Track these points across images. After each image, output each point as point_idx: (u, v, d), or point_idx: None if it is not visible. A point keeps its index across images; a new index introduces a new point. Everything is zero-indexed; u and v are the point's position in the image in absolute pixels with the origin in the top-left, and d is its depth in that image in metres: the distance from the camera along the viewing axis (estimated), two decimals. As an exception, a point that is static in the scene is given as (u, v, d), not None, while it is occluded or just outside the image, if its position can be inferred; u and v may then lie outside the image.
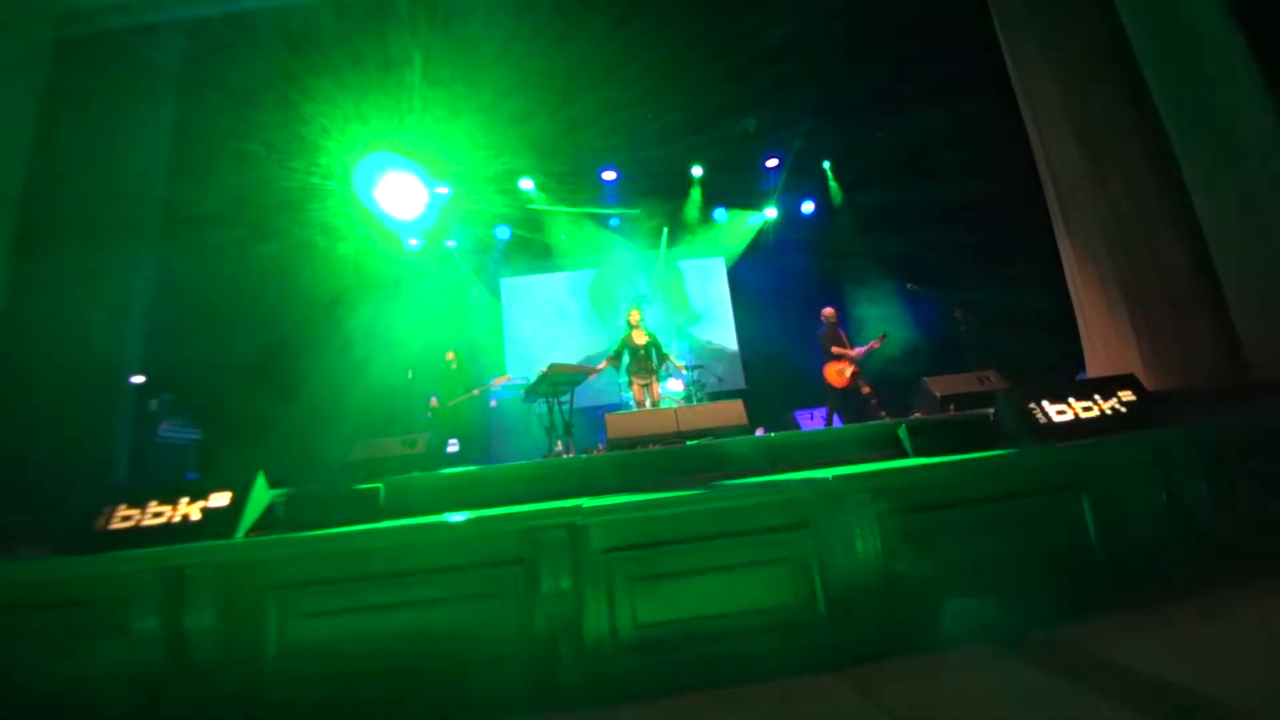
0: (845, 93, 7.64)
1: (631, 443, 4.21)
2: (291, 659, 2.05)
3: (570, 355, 9.74)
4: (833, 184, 9.64)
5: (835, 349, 6.72)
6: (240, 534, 2.26)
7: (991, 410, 2.86)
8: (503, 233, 9.73)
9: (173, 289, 4.75)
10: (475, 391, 6.27)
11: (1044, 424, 2.53)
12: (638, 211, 9.81)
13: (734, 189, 9.70)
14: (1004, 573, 2.19)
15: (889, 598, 2.11)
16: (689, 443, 3.84)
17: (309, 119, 6.77)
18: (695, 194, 9.62)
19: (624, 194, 9.41)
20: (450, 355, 6.73)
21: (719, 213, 10.02)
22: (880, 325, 8.08)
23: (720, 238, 10.39)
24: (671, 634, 2.05)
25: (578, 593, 2.02)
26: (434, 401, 6.18)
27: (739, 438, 4.03)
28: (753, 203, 10.01)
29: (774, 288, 10.02)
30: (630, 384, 6.67)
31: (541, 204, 9.40)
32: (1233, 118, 4.14)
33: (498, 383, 6.55)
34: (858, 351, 6.69)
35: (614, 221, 9.87)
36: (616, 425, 4.33)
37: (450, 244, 9.59)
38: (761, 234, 10.32)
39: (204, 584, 1.98)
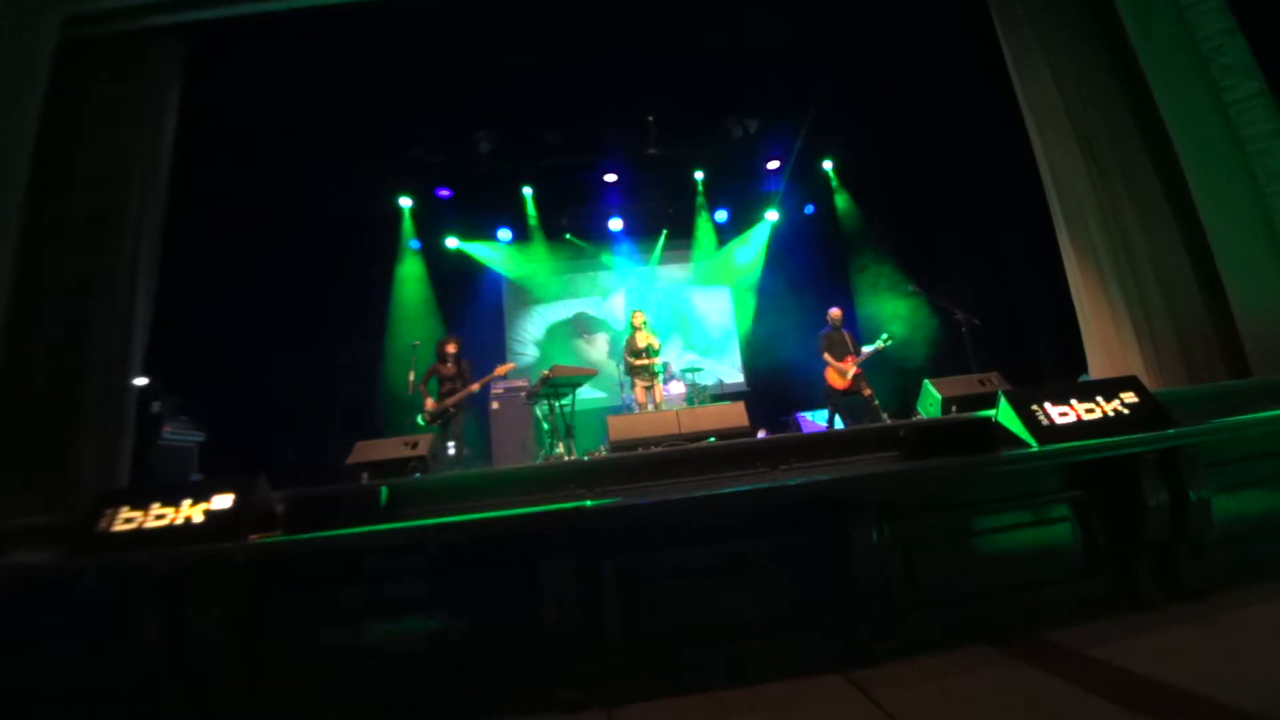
0: (845, 94, 7.64)
1: (633, 444, 4.21)
2: (292, 660, 2.05)
3: (571, 357, 9.76)
4: (835, 183, 9.62)
5: (828, 356, 6.71)
6: (242, 536, 2.26)
7: (993, 412, 2.85)
8: (505, 234, 9.75)
9: (176, 291, 4.75)
10: (475, 387, 5.95)
11: (1046, 425, 2.52)
12: (639, 214, 9.82)
13: (735, 190, 9.71)
14: (1003, 574, 2.19)
15: (889, 599, 2.11)
16: (690, 445, 3.84)
17: (310, 120, 6.81)
18: (696, 196, 9.64)
19: (625, 196, 9.43)
20: (452, 349, 6.04)
21: (720, 214, 10.03)
22: (882, 327, 8.09)
23: (721, 239, 10.40)
24: (672, 635, 2.05)
25: (578, 594, 2.02)
26: (430, 404, 5.82)
27: (740, 440, 4.03)
28: (754, 204, 10.01)
29: (775, 289, 10.03)
30: (633, 386, 6.68)
31: (543, 207, 9.42)
32: (1233, 117, 4.15)
33: (502, 370, 6.04)
34: (862, 355, 6.68)
35: (615, 224, 9.88)
36: (618, 427, 4.34)
37: (451, 243, 9.61)
38: (763, 235, 10.32)
39: (206, 585, 1.98)
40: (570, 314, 10.27)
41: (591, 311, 10.31)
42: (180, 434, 6.07)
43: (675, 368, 7.89)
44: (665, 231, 10.13)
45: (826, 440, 3.37)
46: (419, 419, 5.66)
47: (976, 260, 8.23)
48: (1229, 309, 4.09)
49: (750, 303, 10.27)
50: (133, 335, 4.20)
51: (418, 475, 3.84)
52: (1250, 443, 2.43)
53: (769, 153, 8.99)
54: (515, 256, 10.06)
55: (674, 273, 10.55)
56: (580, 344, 10.08)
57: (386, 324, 8.80)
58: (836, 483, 2.11)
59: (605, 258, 10.29)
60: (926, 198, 8.87)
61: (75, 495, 3.63)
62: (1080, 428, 2.52)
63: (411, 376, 5.93)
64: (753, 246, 10.34)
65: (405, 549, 2.11)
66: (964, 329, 6.14)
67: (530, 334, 10.15)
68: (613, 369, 8.29)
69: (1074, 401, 2.60)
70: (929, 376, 4.90)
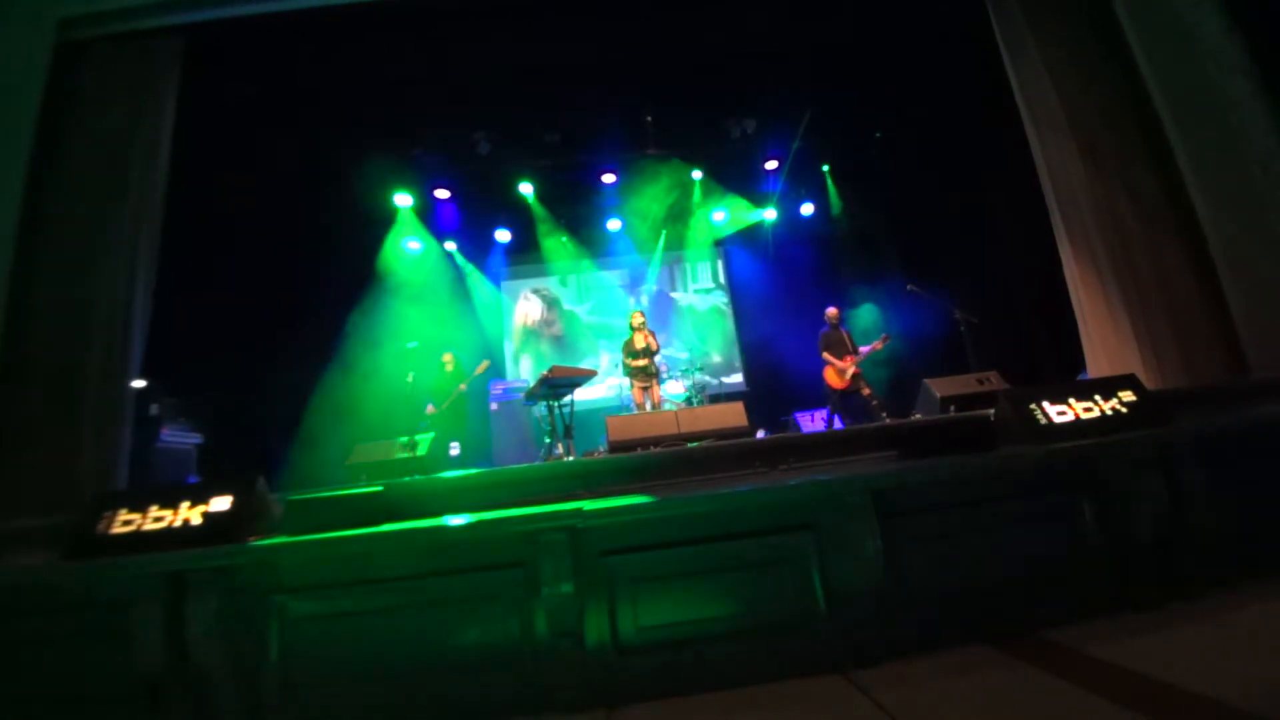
0: (844, 94, 7.65)
1: (632, 445, 4.21)
2: (292, 662, 2.05)
3: (571, 358, 9.75)
4: (831, 187, 9.65)
5: (828, 355, 6.71)
6: (241, 538, 2.26)
7: (992, 411, 2.86)
8: (503, 235, 9.74)
9: (175, 292, 4.75)
10: (462, 386, 6.21)
11: (1044, 425, 2.53)
12: (637, 214, 9.82)
13: (734, 190, 9.71)
14: (1003, 573, 2.19)
15: (889, 599, 2.11)
16: (690, 445, 3.85)
17: (309, 121, 6.81)
18: (694, 196, 9.64)
19: (624, 196, 9.43)
20: (448, 357, 6.63)
21: (718, 214, 10.03)
22: (881, 327, 8.10)
23: (720, 239, 10.40)
24: (672, 636, 2.05)
25: (578, 595, 2.02)
26: (430, 409, 6.11)
27: (739, 440, 4.03)
28: (752, 205, 10.01)
29: (774, 289, 10.03)
30: (632, 386, 6.68)
31: (541, 208, 9.42)
32: (1232, 118, 4.15)
33: (480, 369, 6.45)
34: (860, 354, 6.68)
35: (614, 224, 9.88)
36: (617, 428, 4.34)
37: (450, 246, 9.60)
38: (761, 235, 10.32)
39: (205, 588, 1.98)
40: (568, 314, 10.26)
41: (589, 312, 10.30)
42: (179, 436, 6.06)
43: (666, 369, 7.89)
44: (665, 232, 10.13)
45: (825, 440, 3.37)
46: (424, 425, 5.81)
47: (975, 259, 8.23)
48: (1227, 308, 4.09)
49: (749, 302, 10.26)
50: (131, 337, 4.19)
51: (417, 477, 3.84)
52: (1248, 441, 2.43)
53: (767, 153, 8.99)
54: (513, 257, 10.06)
55: (673, 273, 10.55)
56: (578, 344, 10.08)
57: (386, 325, 8.78)
58: (835, 482, 2.11)
59: (603, 258, 10.28)
60: (925, 197, 8.88)
61: (73, 498, 3.62)
62: (1079, 427, 2.53)
63: (410, 378, 5.99)
64: (737, 224, 10.29)
65: (403, 551, 2.10)
66: (962, 328, 6.14)
67: (528, 334, 10.14)
68: (611, 369, 8.30)
69: (1072, 400, 2.61)
70: (927, 376, 4.91)
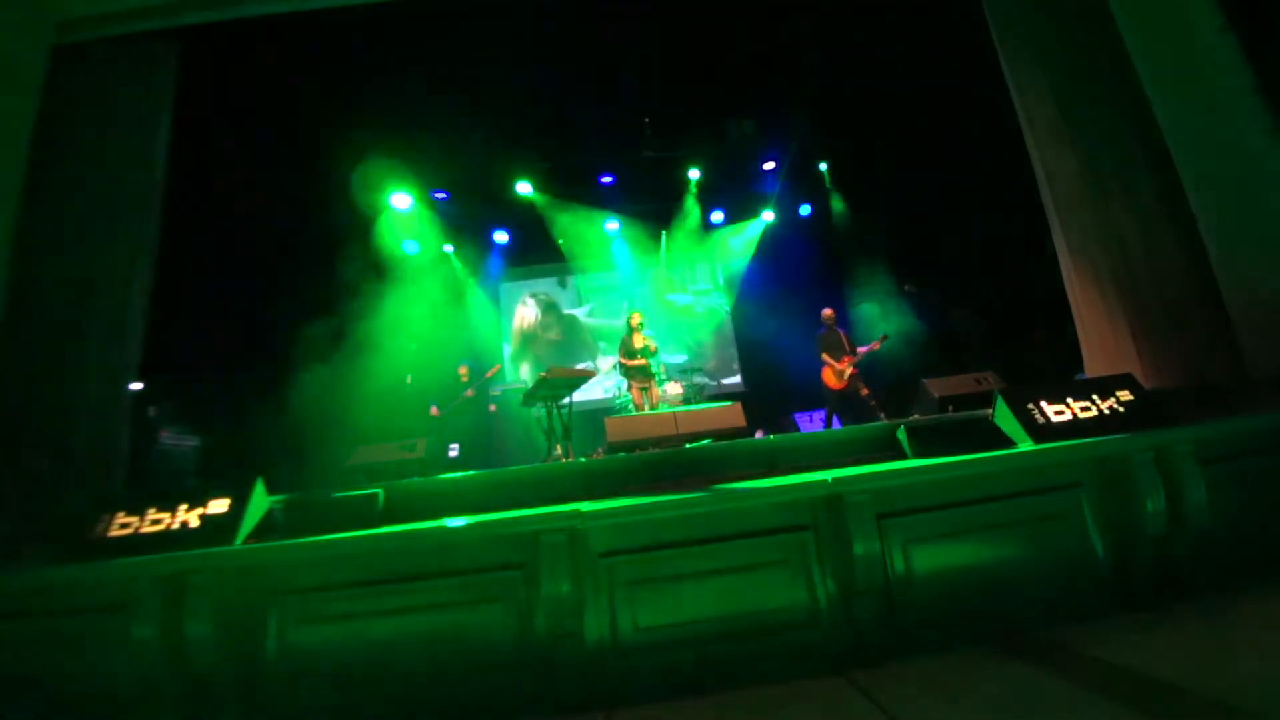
0: (843, 96, 7.66)
1: (631, 446, 4.21)
2: (291, 665, 2.04)
3: (570, 361, 9.75)
4: (829, 187, 9.67)
5: (826, 356, 6.72)
6: (239, 540, 2.26)
7: (990, 411, 2.86)
8: (501, 237, 9.73)
9: (171, 295, 4.74)
10: (470, 392, 6.29)
11: (1042, 424, 2.53)
12: (636, 215, 9.82)
13: (731, 191, 9.73)
14: (1003, 574, 2.19)
15: (889, 600, 2.11)
16: (688, 445, 3.84)
17: (306, 124, 6.80)
18: (693, 197, 9.65)
19: (622, 198, 9.43)
20: (463, 370, 6.87)
21: (716, 215, 10.04)
22: (879, 327, 8.10)
23: (718, 240, 10.42)
24: (671, 637, 2.05)
25: (577, 596, 2.02)
26: (434, 410, 6.20)
27: (738, 440, 4.03)
28: (750, 206, 10.03)
29: (772, 290, 10.04)
30: (630, 387, 6.67)
31: (539, 209, 9.42)
32: (1228, 119, 4.16)
33: (491, 372, 6.66)
34: (858, 354, 6.69)
35: (612, 226, 9.88)
36: (616, 429, 4.34)
37: (448, 249, 9.59)
38: (759, 236, 10.33)
39: (203, 590, 1.97)
40: (567, 319, 10.26)
41: (588, 314, 10.30)
42: (177, 438, 6.06)
43: (665, 370, 7.90)
44: (664, 233, 10.13)
45: (824, 440, 3.38)
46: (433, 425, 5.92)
47: (973, 259, 8.24)
48: (1224, 307, 4.10)
49: (748, 303, 10.27)
50: (129, 339, 4.18)
51: (416, 479, 3.83)
52: (1246, 440, 2.44)
53: (765, 154, 9.01)
54: (511, 258, 10.07)
55: (671, 274, 10.55)
56: (576, 347, 10.08)
57: (385, 326, 8.77)
58: (835, 482, 2.11)
59: (602, 260, 10.29)
60: (922, 197, 8.90)
61: (71, 500, 3.61)
62: (1076, 426, 2.53)
63: (409, 379, 6.02)
64: (748, 246, 10.35)
65: (402, 553, 2.10)
66: (960, 328, 6.15)
67: (527, 338, 10.14)
68: (610, 370, 8.31)
69: (1070, 400, 2.61)
70: (925, 376, 4.91)
